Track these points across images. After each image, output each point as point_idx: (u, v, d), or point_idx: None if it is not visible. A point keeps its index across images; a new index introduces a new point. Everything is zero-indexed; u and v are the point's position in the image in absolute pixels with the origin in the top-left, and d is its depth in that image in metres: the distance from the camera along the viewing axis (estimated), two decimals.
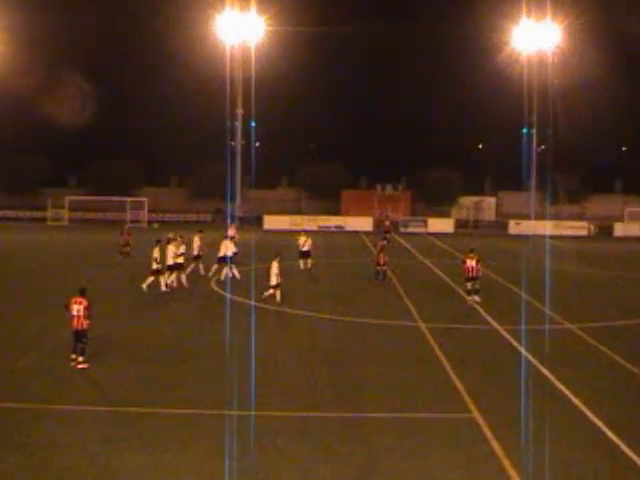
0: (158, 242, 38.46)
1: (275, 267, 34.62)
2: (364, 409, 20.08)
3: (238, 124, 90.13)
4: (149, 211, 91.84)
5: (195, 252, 43.28)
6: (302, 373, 23.69)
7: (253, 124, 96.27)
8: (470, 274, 37.54)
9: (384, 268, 43.19)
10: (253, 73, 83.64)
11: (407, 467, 16.34)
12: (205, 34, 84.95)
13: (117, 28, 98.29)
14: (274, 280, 34.61)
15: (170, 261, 38.92)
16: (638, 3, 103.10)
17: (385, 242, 43.78)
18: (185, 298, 37.13)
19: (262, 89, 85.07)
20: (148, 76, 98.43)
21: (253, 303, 34.26)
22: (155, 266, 37.89)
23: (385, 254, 43.99)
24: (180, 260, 39.39)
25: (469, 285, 37.81)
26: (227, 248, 42.44)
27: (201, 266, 43.37)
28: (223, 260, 42.34)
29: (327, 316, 33.01)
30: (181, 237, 41.24)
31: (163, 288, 37.91)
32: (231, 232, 48.32)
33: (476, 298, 37.28)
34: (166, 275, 38.60)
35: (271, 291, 34.80)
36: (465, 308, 35.90)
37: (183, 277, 39.76)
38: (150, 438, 17.75)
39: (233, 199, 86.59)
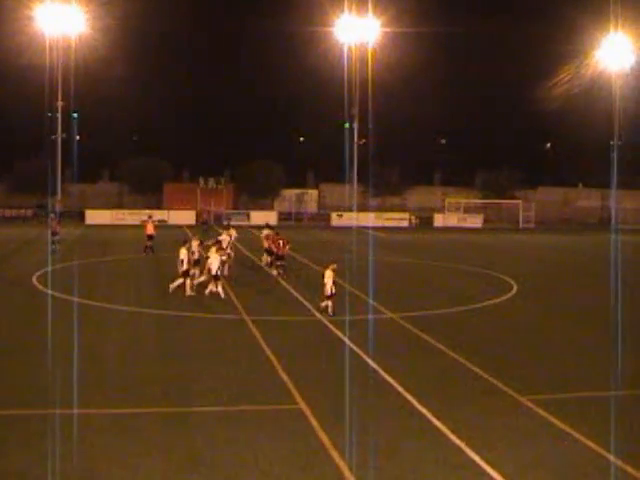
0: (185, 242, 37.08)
1: (329, 276, 31.90)
2: (189, 403, 19.97)
3: (59, 116, 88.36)
4: None
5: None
6: (126, 369, 23.41)
7: (75, 115, 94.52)
8: (276, 249, 43.46)
9: (283, 263, 43.33)
10: (73, 64, 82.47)
11: (234, 460, 16.35)
12: (25, 25, 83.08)
13: None
14: (328, 290, 31.98)
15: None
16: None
17: (281, 241, 43.16)
18: (5, 296, 36.18)
19: (84, 81, 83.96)
20: None
21: (76, 299, 33.68)
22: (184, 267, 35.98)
23: (288, 246, 44.21)
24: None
25: (275, 259, 43.84)
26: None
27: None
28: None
29: (151, 311, 32.65)
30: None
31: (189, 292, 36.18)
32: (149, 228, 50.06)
33: (272, 270, 43.81)
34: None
35: (329, 302, 32.06)
36: (289, 300, 36.16)
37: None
38: None
39: (54, 193, 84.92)
